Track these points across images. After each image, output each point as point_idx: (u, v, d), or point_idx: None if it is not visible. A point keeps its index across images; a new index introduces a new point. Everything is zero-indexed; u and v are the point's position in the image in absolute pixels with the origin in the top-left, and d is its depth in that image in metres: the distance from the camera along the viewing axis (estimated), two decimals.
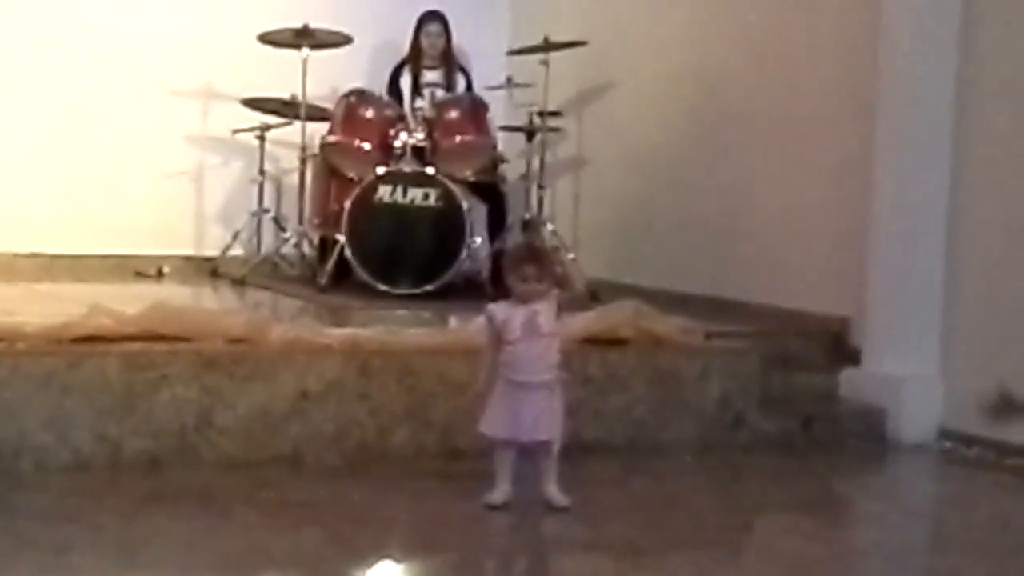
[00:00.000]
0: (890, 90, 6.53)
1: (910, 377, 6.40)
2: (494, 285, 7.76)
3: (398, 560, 4.50)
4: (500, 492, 4.81)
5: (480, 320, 4.98)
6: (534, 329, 4.76)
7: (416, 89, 8.53)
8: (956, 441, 6.26)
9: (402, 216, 7.55)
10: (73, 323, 5.37)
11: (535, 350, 4.77)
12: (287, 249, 8.47)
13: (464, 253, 7.52)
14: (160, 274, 8.63)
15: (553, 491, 4.84)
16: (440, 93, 8.40)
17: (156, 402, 5.23)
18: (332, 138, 7.92)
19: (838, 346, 6.92)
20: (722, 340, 6.40)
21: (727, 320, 6.97)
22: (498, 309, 4.84)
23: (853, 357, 6.71)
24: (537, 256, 4.97)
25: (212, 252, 8.76)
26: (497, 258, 8.13)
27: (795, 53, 7.50)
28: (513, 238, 8.32)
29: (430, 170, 7.64)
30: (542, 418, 4.78)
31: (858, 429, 6.35)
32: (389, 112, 8.01)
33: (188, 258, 8.86)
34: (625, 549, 4.61)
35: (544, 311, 4.79)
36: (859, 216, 6.66)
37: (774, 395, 6.24)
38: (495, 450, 4.85)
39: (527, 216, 8.37)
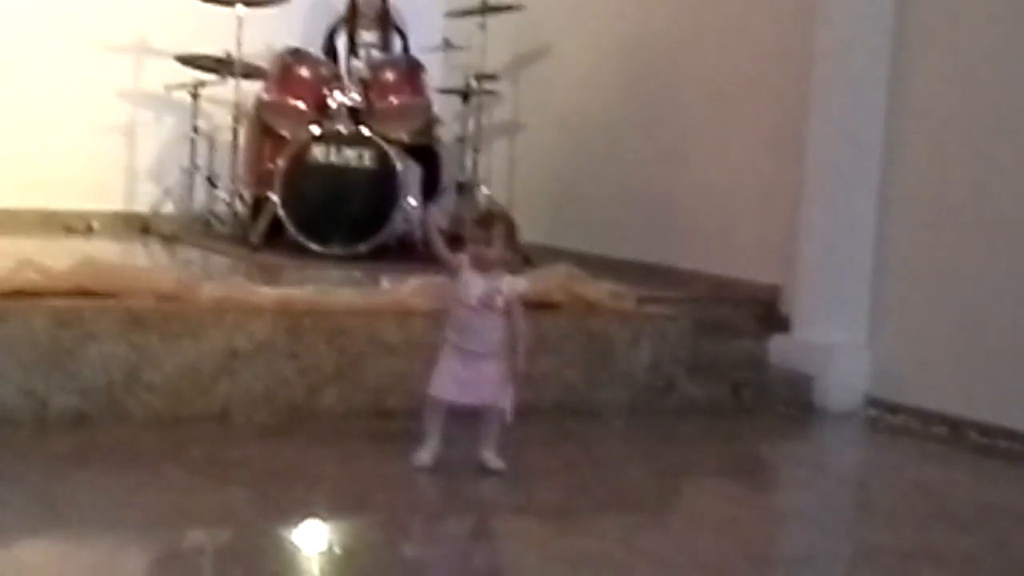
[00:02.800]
0: (824, 61, 6.56)
1: (838, 345, 6.46)
2: (427, 245, 7.78)
3: (326, 519, 4.50)
4: (428, 450, 4.80)
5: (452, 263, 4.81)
6: (490, 305, 4.70)
7: (352, 49, 8.49)
8: (882, 409, 6.33)
9: (336, 176, 7.53)
10: (1, 278, 5.31)
11: (488, 324, 4.72)
12: (219, 207, 8.41)
13: (398, 215, 7.51)
14: (90, 230, 8.56)
15: (489, 455, 4.84)
16: (376, 54, 8.36)
17: (84, 358, 5.18)
18: (267, 97, 7.87)
19: (768, 313, 6.98)
20: (654, 306, 6.43)
21: (659, 286, 7.01)
22: (467, 266, 4.73)
23: (782, 324, 6.77)
24: (496, 221, 4.86)
25: (143, 209, 8.70)
26: (426, 219, 8.15)
27: (731, 23, 7.52)
28: (447, 201, 8.32)
29: (365, 131, 7.61)
30: (489, 383, 4.75)
31: (786, 396, 6.41)
32: (325, 72, 7.96)
33: (119, 214, 8.78)
34: (554, 512, 4.63)
35: (504, 287, 4.72)
36: (791, 185, 6.70)
37: (704, 361, 6.28)
38: (425, 409, 4.85)
39: (462, 179, 8.36)
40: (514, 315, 4.74)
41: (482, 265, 4.72)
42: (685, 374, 6.16)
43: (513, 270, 4.85)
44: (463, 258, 4.76)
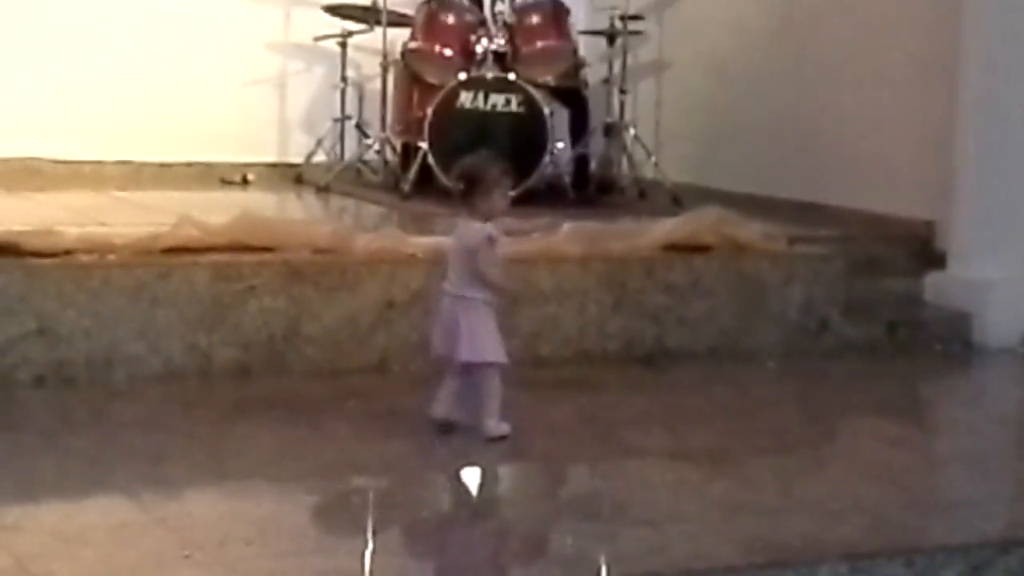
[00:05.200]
0: None
1: (996, 281, 6.35)
2: (576, 189, 7.80)
3: (484, 467, 4.55)
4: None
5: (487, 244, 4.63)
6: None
7: None
8: None
9: (484, 122, 7.55)
10: (162, 234, 5.45)
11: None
12: (370, 156, 8.49)
13: (546, 158, 7.52)
14: (245, 181, 8.69)
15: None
16: None
17: (244, 312, 5.31)
18: (413, 44, 7.92)
19: (923, 250, 6.88)
20: (805, 245, 6.38)
21: (811, 224, 6.93)
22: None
23: (938, 261, 6.67)
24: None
25: (296, 159, 8.80)
26: (581, 163, 8.16)
27: None
28: (595, 142, 8.31)
29: (511, 76, 7.63)
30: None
31: (943, 334, 6.32)
32: (470, 17, 7.98)
33: (272, 165, 8.91)
34: (708, 456, 4.64)
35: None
36: (945, 117, 6.58)
37: (858, 300, 6.22)
38: (486, 378, 4.63)
39: (609, 120, 8.35)
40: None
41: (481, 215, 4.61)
42: (839, 314, 6.11)
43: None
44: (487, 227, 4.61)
